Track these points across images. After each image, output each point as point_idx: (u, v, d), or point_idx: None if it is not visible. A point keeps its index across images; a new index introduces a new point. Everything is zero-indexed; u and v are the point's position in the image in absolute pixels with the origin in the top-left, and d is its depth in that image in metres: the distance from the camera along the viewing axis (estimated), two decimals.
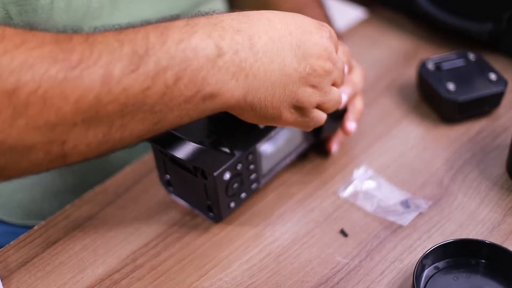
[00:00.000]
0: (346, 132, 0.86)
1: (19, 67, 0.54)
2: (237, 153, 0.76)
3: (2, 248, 0.79)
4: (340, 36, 0.97)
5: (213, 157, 0.75)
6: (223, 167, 0.75)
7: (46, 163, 0.58)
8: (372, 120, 0.95)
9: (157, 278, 0.76)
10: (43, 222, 0.82)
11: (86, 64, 0.56)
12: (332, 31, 0.71)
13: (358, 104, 0.88)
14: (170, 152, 0.73)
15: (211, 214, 0.80)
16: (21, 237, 0.80)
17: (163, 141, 0.74)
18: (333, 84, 0.72)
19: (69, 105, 0.56)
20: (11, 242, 0.80)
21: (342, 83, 0.74)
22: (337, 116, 0.85)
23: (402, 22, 1.12)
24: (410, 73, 1.01)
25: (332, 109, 0.73)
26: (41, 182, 0.92)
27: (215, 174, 0.74)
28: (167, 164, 0.80)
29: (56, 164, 0.59)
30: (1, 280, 0.75)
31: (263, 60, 0.64)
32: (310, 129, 0.74)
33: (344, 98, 0.82)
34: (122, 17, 0.84)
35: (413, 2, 1.06)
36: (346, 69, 0.81)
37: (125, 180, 0.87)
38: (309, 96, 0.69)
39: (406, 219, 0.81)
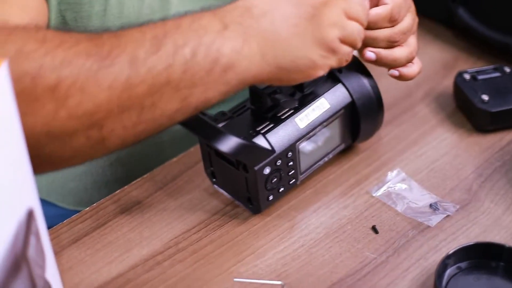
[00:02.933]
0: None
1: (59, 64, 0.62)
2: (277, 150, 0.82)
3: (56, 226, 0.86)
4: None
5: (255, 152, 0.80)
6: (264, 162, 0.80)
7: (87, 148, 0.65)
8: (408, 126, 0.99)
9: (197, 261, 0.82)
10: (94, 205, 0.89)
11: (116, 53, 0.63)
12: None
13: (411, 42, 0.88)
14: (215, 145, 0.78)
15: (250, 205, 0.86)
16: (73, 217, 0.87)
17: (209, 135, 0.79)
18: (350, 17, 0.74)
19: (104, 92, 0.63)
20: (65, 221, 0.87)
21: (360, 15, 0.75)
22: (375, 121, 0.90)
23: (443, 33, 1.16)
24: (448, 83, 1.05)
25: (356, 42, 0.75)
26: (92, 172, 0.99)
27: (256, 168, 0.80)
28: (212, 157, 0.86)
29: (97, 149, 0.66)
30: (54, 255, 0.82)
31: (266, 22, 0.70)
32: (345, 64, 0.76)
33: (371, 55, 0.84)
34: None
35: (455, 14, 1.10)
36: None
37: (172, 170, 0.93)
38: (327, 32, 0.72)
39: (434, 220, 0.85)
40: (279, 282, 0.79)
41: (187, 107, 0.68)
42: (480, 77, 0.99)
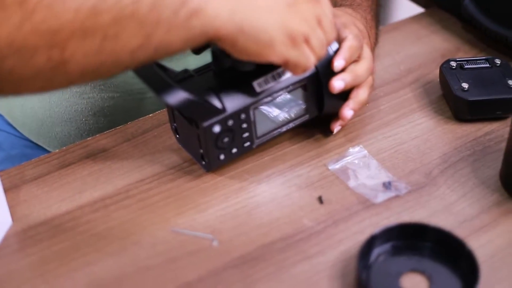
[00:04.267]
0: (341, 117, 0.91)
1: None
2: (229, 110, 0.84)
3: (24, 163, 0.92)
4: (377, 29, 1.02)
5: (204, 109, 0.83)
6: (213, 120, 0.83)
7: (47, 70, 0.67)
8: (386, 108, 0.99)
9: (141, 209, 0.85)
10: (64, 148, 0.94)
11: None
12: None
13: (361, 95, 0.91)
14: (164, 98, 0.81)
15: (203, 162, 0.88)
16: (42, 156, 0.93)
17: (160, 88, 0.82)
18: (320, 26, 0.78)
19: (69, 13, 0.65)
20: (33, 159, 0.92)
21: (329, 31, 0.79)
22: (340, 94, 0.90)
23: (452, 23, 1.15)
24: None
25: (318, 49, 0.78)
26: (76, 119, 1.05)
27: (204, 125, 0.83)
28: (174, 113, 0.89)
29: (57, 72, 0.68)
30: (15, 189, 0.88)
31: None
32: (300, 71, 0.79)
33: (340, 85, 0.87)
34: None
35: (461, 5, 1.09)
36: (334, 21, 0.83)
37: (145, 124, 0.97)
38: (297, 24, 0.75)
39: (380, 198, 0.85)
40: (209, 236, 0.81)
41: (148, 45, 0.70)
42: (468, 66, 0.98)
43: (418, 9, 1.28)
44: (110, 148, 0.94)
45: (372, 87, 0.94)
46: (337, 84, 0.87)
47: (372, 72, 0.92)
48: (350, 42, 0.88)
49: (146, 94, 1.03)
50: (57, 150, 0.93)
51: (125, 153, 0.93)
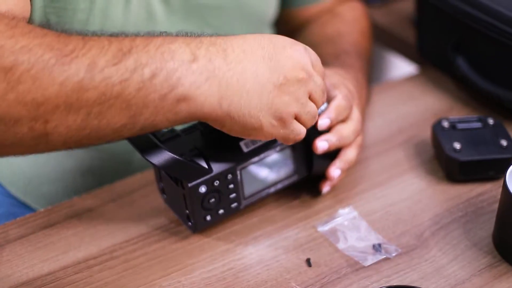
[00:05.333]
0: (328, 177, 0.90)
1: (19, 49, 0.64)
2: (215, 170, 0.83)
3: (9, 222, 0.90)
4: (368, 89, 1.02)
5: (190, 169, 0.82)
6: (199, 180, 0.82)
7: (29, 139, 0.67)
8: (377, 169, 0.98)
9: (126, 270, 0.84)
10: (49, 207, 0.92)
11: (77, 54, 0.65)
12: (309, 51, 0.77)
13: (349, 155, 0.90)
14: (149, 159, 0.80)
15: (189, 223, 0.87)
16: (27, 215, 0.91)
17: (145, 149, 0.81)
18: (311, 99, 0.77)
19: (55, 86, 0.64)
20: (18, 218, 0.91)
21: (321, 100, 0.79)
22: (329, 154, 0.89)
23: (445, 82, 1.14)
24: None
25: (309, 122, 0.78)
26: (64, 178, 1.03)
27: (190, 185, 0.81)
28: (161, 173, 0.88)
29: (39, 143, 0.67)
30: None
31: (236, 70, 0.71)
32: (291, 142, 0.79)
33: (324, 146, 0.86)
34: None
35: (453, 63, 1.08)
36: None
37: (132, 184, 0.96)
38: (286, 105, 0.74)
39: (369, 260, 0.84)
40: None
41: (133, 125, 0.70)
42: (460, 126, 0.97)
43: (411, 68, 1.28)
44: (96, 208, 0.92)
45: (361, 147, 0.93)
46: (321, 144, 0.86)
47: (360, 133, 0.91)
48: (338, 102, 0.87)
49: (134, 154, 1.01)
50: (42, 210, 0.92)
51: (111, 213, 0.91)
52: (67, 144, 0.69)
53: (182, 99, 0.69)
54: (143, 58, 0.68)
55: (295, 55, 0.75)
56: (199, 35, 0.73)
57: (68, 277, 0.83)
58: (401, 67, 1.35)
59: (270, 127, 0.75)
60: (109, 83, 0.66)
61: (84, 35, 0.69)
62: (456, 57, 1.08)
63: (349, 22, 1.13)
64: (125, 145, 1.02)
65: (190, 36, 0.73)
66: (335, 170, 0.89)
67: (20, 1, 0.81)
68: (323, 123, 0.85)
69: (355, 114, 0.90)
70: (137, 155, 1.01)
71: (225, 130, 0.75)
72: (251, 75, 0.72)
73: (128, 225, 0.89)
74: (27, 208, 1.08)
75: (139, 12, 0.93)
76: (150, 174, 0.97)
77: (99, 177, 1.03)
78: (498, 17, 1.01)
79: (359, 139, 0.91)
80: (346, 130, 0.88)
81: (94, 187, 1.00)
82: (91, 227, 0.89)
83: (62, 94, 0.65)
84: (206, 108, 0.71)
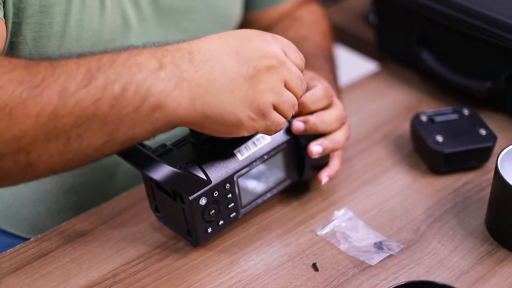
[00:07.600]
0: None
1: None
2: (214, 181, 0.82)
3: None
4: (339, 90, 1.03)
5: (190, 182, 0.81)
6: (199, 192, 0.81)
7: (15, 171, 0.67)
8: (362, 167, 0.99)
9: None
10: (39, 236, 0.89)
11: (47, 83, 0.65)
12: (279, 39, 0.76)
13: (334, 163, 0.91)
14: (148, 174, 0.79)
15: (190, 238, 0.85)
16: (17, 246, 0.88)
17: (143, 164, 0.80)
18: (287, 87, 0.76)
19: (31, 119, 0.65)
20: (8, 250, 0.87)
21: (299, 88, 0.78)
22: (320, 161, 0.89)
23: (410, 77, 1.16)
24: (408, 126, 1.04)
25: (288, 112, 0.77)
26: (46, 199, 1.00)
27: (191, 198, 0.80)
28: (154, 190, 0.86)
29: (25, 173, 0.68)
30: None
31: (204, 70, 0.71)
32: (273, 133, 0.78)
33: (318, 149, 0.86)
34: None
35: (419, 57, 1.11)
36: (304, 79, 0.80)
37: (120, 204, 0.93)
38: (261, 95, 0.73)
39: (375, 259, 0.84)
40: None
41: (113, 141, 0.70)
42: (438, 119, 0.99)
43: (369, 66, 1.30)
44: (88, 232, 0.89)
45: (348, 132, 0.92)
46: (315, 149, 0.86)
47: (345, 120, 0.90)
48: (315, 90, 0.86)
49: (117, 167, 0.99)
50: (32, 239, 0.88)
51: (104, 235, 0.89)
52: (53, 170, 0.70)
53: (156, 107, 0.69)
54: (111, 75, 0.68)
55: (262, 45, 0.74)
56: (165, 44, 0.73)
57: None
58: (357, 64, 1.37)
59: (250, 121, 0.74)
60: (83, 106, 0.67)
61: (52, 60, 0.69)
62: (421, 51, 1.11)
63: (310, 25, 1.14)
64: (108, 158, 1.01)
65: (156, 46, 0.73)
66: (324, 177, 0.90)
67: None
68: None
69: (338, 102, 0.90)
70: (121, 168, 1.01)
71: (207, 132, 0.75)
72: (220, 72, 0.72)
73: (126, 246, 0.87)
74: (6, 235, 1.04)
75: (114, 20, 0.91)
76: (136, 193, 0.95)
77: (81, 195, 1.00)
78: (461, 10, 1.04)
79: (346, 126, 0.91)
80: (339, 136, 0.88)
81: (77, 206, 0.98)
82: (87, 252, 0.87)
83: (39, 125, 0.66)
84: (181, 112, 0.71)
